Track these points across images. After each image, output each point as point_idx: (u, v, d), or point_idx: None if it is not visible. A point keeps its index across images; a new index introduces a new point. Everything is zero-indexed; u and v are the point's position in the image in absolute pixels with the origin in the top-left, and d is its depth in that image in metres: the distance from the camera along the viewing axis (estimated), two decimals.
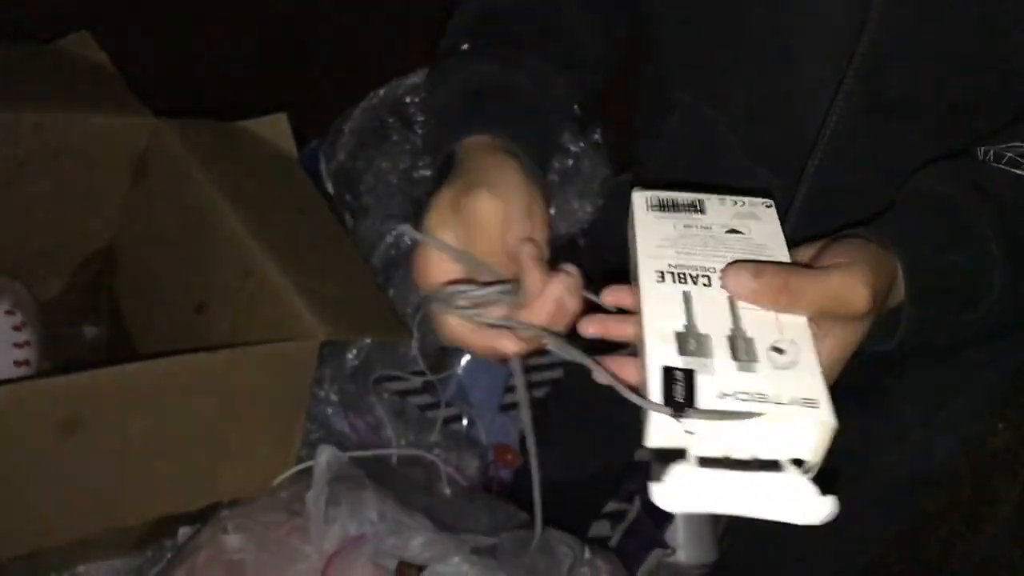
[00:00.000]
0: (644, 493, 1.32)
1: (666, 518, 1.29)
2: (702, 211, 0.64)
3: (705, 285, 0.58)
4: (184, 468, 0.90)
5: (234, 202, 1.05)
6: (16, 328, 1.06)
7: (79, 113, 1.10)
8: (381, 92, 1.34)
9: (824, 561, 1.08)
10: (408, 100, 1.34)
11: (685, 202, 0.65)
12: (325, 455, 0.90)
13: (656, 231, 0.62)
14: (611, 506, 1.36)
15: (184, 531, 0.96)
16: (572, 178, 1.35)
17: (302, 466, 0.96)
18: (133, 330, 1.20)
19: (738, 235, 0.62)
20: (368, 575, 0.85)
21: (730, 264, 0.58)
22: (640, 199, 0.65)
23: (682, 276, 0.59)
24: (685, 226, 0.63)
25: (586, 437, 1.21)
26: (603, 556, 0.97)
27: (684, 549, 1.28)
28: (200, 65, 1.42)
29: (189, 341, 1.02)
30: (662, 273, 0.59)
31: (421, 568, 0.86)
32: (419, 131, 1.32)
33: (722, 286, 0.57)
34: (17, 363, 1.05)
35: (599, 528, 1.35)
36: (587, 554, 0.94)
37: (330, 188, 1.35)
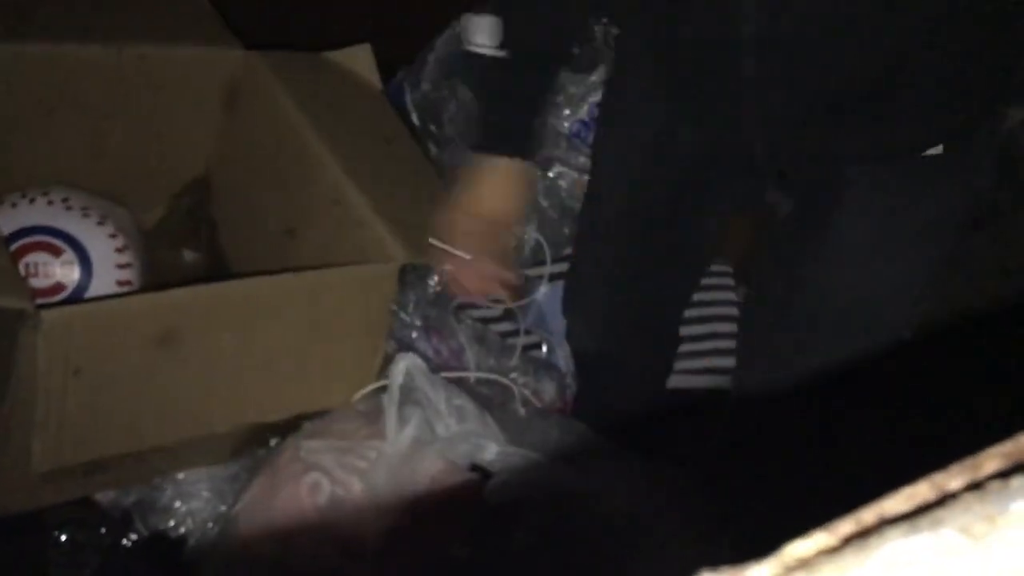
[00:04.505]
0: None
1: None
2: None
3: None
4: (271, 381, 0.96)
5: (322, 132, 1.09)
6: (119, 250, 1.12)
7: (177, 46, 1.15)
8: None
9: None
10: None
11: None
12: (405, 360, 0.94)
13: None
14: None
15: (276, 441, 1.02)
16: None
17: (383, 382, 1.00)
18: (229, 254, 1.26)
19: None
20: (439, 468, 0.88)
21: None
22: None
23: None
24: None
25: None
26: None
27: None
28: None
29: (281, 263, 1.07)
30: None
31: (489, 475, 0.90)
32: None
33: None
34: (120, 283, 1.11)
35: None
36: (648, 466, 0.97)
37: (415, 119, 1.38)
